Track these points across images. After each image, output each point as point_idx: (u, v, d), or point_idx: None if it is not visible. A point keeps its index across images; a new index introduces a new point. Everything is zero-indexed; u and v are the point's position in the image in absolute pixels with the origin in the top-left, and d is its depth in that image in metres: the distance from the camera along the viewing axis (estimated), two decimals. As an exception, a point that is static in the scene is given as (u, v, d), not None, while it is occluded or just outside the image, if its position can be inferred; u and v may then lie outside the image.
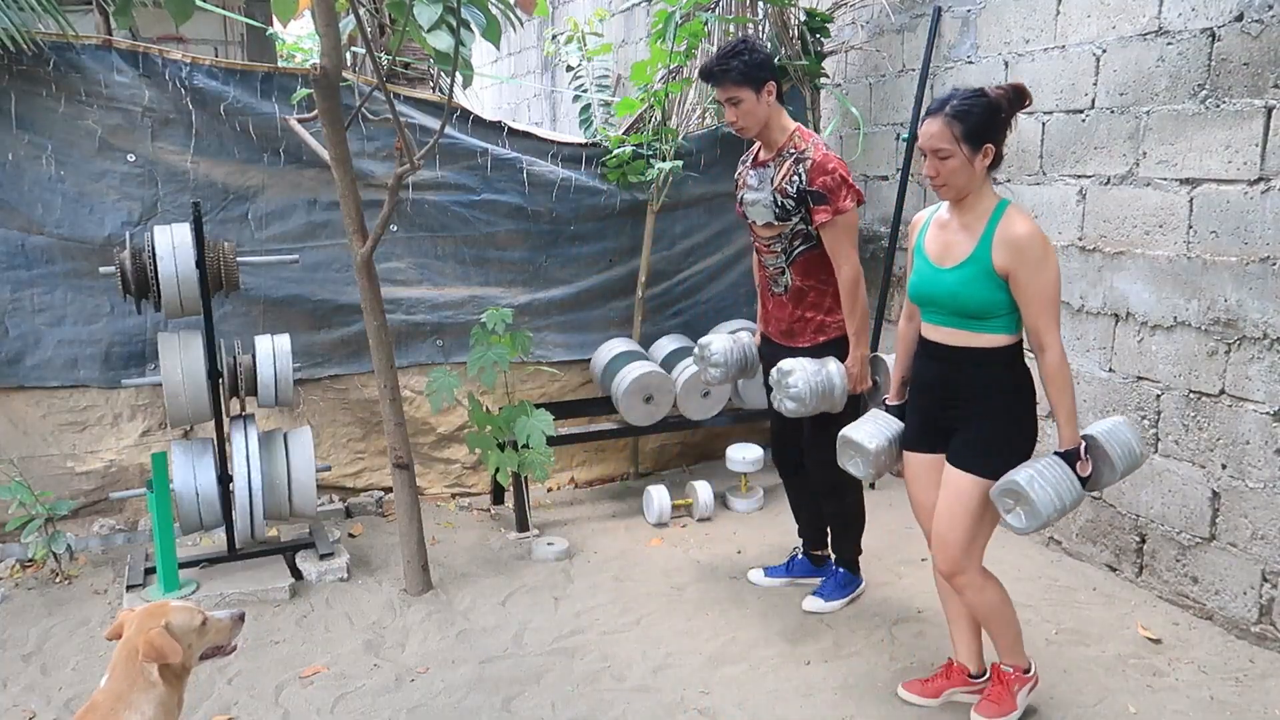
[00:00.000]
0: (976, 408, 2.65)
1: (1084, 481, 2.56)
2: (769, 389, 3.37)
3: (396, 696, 3.06)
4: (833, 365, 3.23)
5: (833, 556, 3.67)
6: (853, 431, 2.94)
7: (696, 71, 3.60)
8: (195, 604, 2.33)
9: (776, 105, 3.22)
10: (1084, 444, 2.57)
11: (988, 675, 2.91)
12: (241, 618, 2.36)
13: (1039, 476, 2.50)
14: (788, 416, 3.27)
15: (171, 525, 3.59)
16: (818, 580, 3.67)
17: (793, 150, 3.21)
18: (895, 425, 2.92)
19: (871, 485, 3.35)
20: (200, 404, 3.60)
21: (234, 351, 3.76)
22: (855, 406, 3.30)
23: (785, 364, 3.22)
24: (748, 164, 3.41)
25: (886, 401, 3.01)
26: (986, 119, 2.51)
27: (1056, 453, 2.57)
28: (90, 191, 4.02)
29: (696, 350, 3.72)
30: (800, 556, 3.76)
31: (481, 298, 4.61)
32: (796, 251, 3.28)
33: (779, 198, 3.21)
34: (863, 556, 3.68)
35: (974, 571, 2.71)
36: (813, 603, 3.56)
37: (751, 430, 5.20)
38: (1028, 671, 2.84)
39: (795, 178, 3.17)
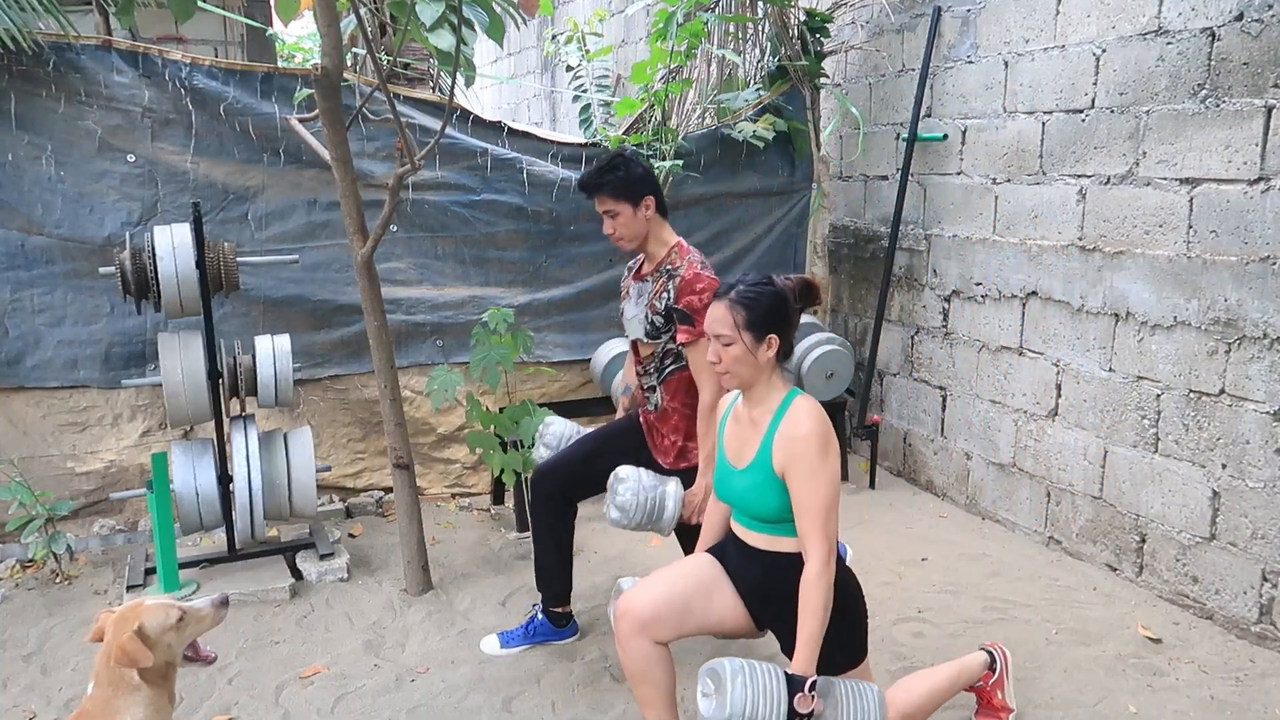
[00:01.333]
0: (786, 616, 2.34)
1: (792, 715, 2.16)
2: (604, 430, 3.35)
3: (396, 696, 3.06)
4: (671, 486, 3.04)
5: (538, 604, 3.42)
6: (626, 471, 2.88)
7: (576, 184, 3.42)
8: (172, 599, 2.30)
9: (657, 219, 3.14)
10: (813, 680, 2.19)
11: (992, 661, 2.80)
12: (224, 602, 2.30)
13: (746, 674, 2.16)
14: (611, 523, 3.05)
15: (171, 525, 3.59)
16: (567, 639, 3.40)
17: (669, 266, 3.10)
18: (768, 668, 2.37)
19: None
20: (200, 404, 3.60)
21: (234, 351, 3.76)
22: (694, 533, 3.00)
23: (622, 470, 3.03)
24: (630, 275, 3.32)
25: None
26: (771, 309, 2.38)
27: (786, 670, 2.22)
28: (90, 191, 4.02)
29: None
30: (540, 618, 3.39)
31: (481, 298, 4.61)
32: (667, 370, 3.16)
33: (649, 314, 3.11)
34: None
35: (649, 643, 2.45)
36: (490, 643, 3.35)
37: (751, 430, 5.20)
38: (993, 668, 2.76)
39: (665, 294, 3.06)
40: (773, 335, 2.39)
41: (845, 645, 2.41)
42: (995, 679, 2.79)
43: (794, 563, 2.34)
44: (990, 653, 2.81)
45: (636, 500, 2.98)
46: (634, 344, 3.27)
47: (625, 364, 3.48)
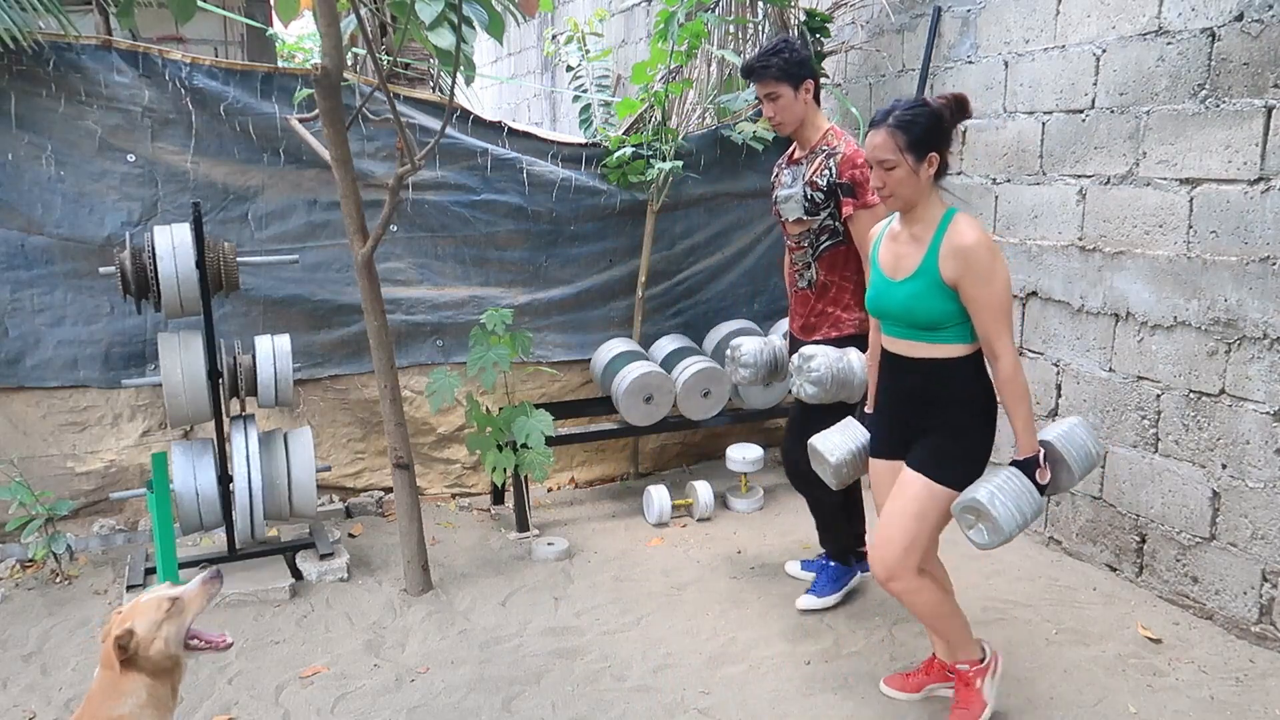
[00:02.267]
0: (938, 416, 2.63)
1: (1042, 489, 2.54)
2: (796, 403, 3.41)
3: (396, 696, 3.06)
4: (854, 354, 3.26)
5: (821, 551, 3.67)
6: (819, 442, 2.95)
7: (740, 70, 3.65)
8: (167, 587, 2.27)
9: (813, 105, 3.32)
10: (1042, 451, 2.57)
11: (986, 655, 2.89)
12: (217, 577, 2.29)
13: (999, 492, 2.48)
14: (806, 402, 3.26)
15: (171, 525, 3.59)
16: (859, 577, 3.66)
17: (825, 147, 3.29)
18: (862, 436, 2.92)
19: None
20: (200, 404, 3.60)
21: (234, 351, 3.76)
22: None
23: (808, 349, 3.23)
24: (783, 164, 3.48)
25: (866, 410, 2.99)
26: (930, 128, 2.51)
27: (1014, 462, 2.55)
28: (90, 191, 4.02)
29: (729, 351, 3.70)
30: (832, 564, 3.65)
31: (481, 298, 4.61)
32: (823, 246, 3.34)
33: (809, 191, 3.28)
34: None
35: (909, 576, 2.65)
36: (807, 600, 3.56)
37: (752, 430, 5.21)
38: (983, 660, 2.82)
39: (826, 171, 3.25)
40: (933, 154, 2.52)
41: (984, 441, 2.64)
42: (987, 668, 2.83)
43: (953, 366, 2.58)
44: (984, 648, 2.89)
45: (830, 372, 3.18)
46: (785, 226, 3.42)
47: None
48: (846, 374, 3.22)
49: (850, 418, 3.05)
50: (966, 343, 2.58)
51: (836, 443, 2.93)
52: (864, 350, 3.29)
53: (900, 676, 3.02)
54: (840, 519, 3.59)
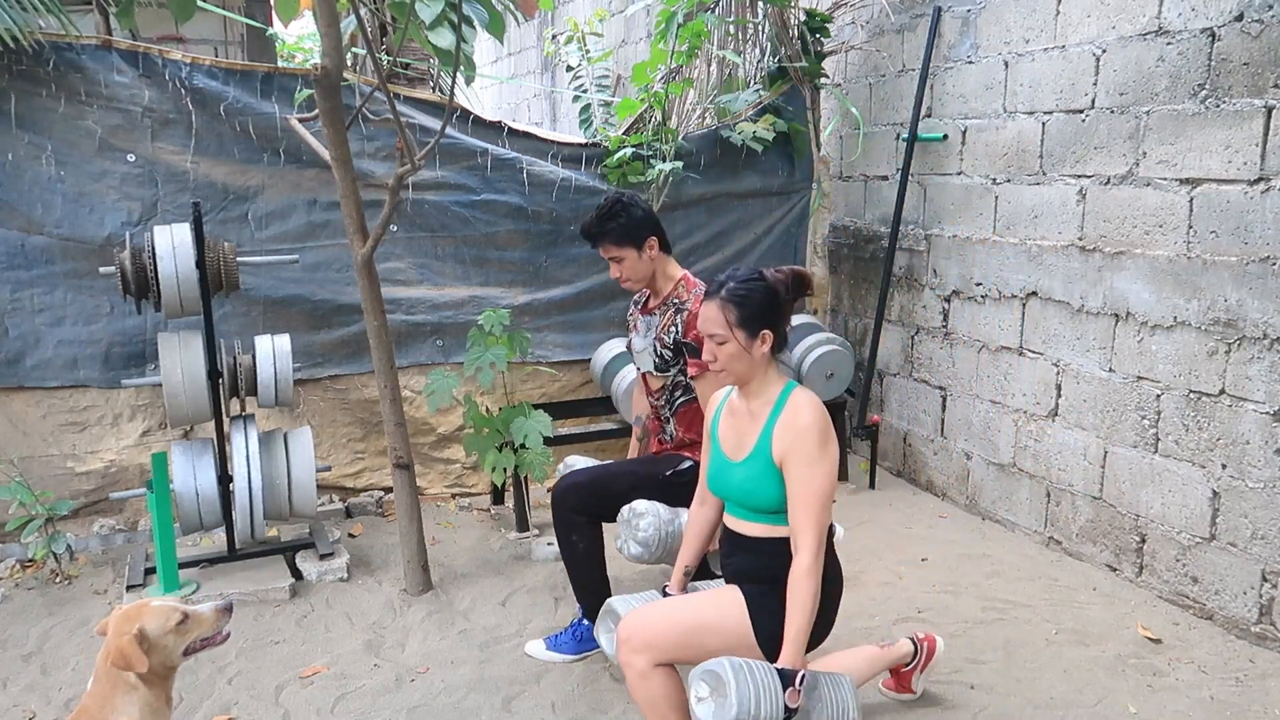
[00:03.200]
0: (776, 604, 2.35)
1: (788, 713, 2.20)
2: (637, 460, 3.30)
3: (396, 696, 3.06)
4: (684, 517, 2.95)
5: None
6: (619, 604, 2.63)
7: (579, 230, 3.37)
8: (177, 600, 2.31)
9: (662, 256, 3.17)
10: (804, 673, 2.24)
11: (917, 649, 2.92)
12: (229, 609, 2.32)
13: (748, 672, 2.18)
14: (627, 559, 3.04)
15: (171, 525, 3.59)
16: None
17: (676, 300, 3.14)
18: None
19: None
20: (200, 404, 3.60)
21: (234, 351, 3.76)
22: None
23: (640, 505, 2.99)
24: (637, 309, 3.34)
25: (667, 590, 2.71)
26: (764, 305, 2.38)
27: (775, 666, 2.25)
28: (90, 191, 4.02)
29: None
30: (586, 623, 3.30)
31: (481, 298, 4.61)
32: (678, 403, 3.19)
33: (658, 347, 3.14)
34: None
35: (646, 660, 2.41)
36: (535, 647, 3.31)
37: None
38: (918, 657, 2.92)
39: (673, 328, 3.10)
40: (766, 330, 2.40)
41: (817, 624, 2.37)
42: (911, 668, 2.92)
43: (785, 549, 2.34)
44: (914, 643, 2.92)
45: (658, 535, 2.96)
46: (644, 377, 3.28)
47: (635, 394, 3.46)
48: (676, 538, 2.95)
49: (654, 593, 2.77)
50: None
51: (632, 601, 2.63)
52: None
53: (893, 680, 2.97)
54: (595, 571, 3.25)
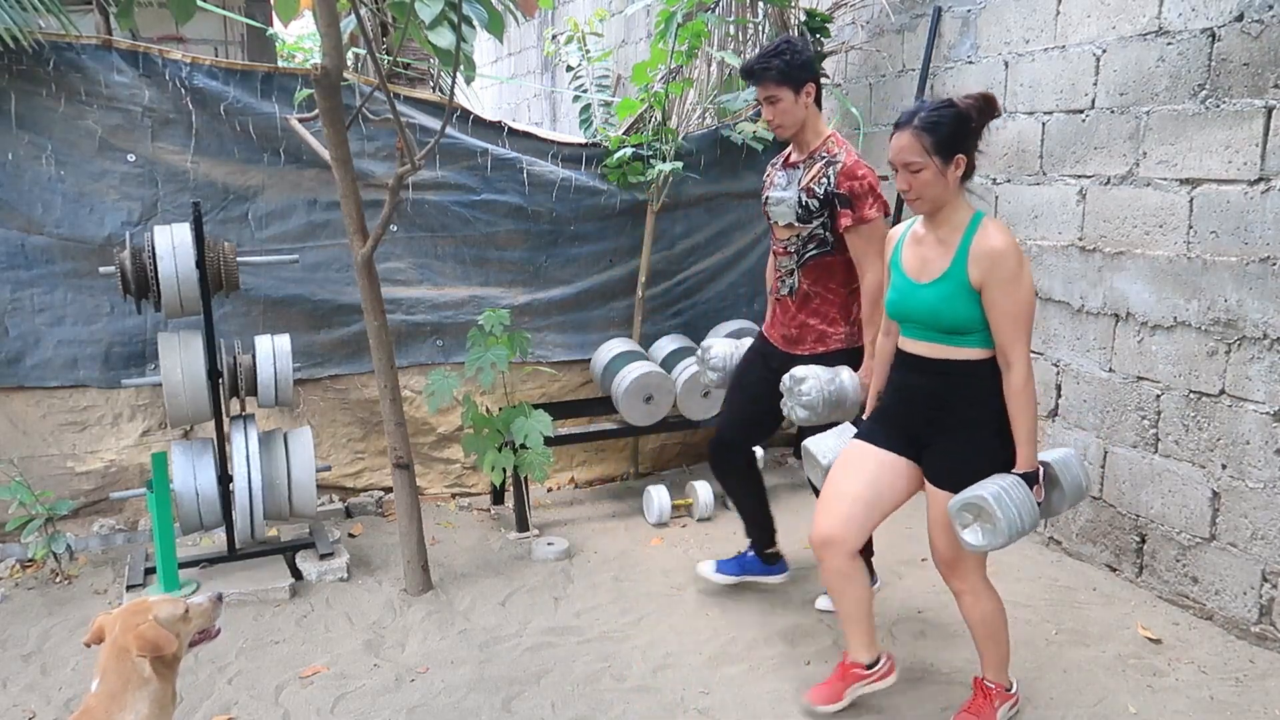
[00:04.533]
0: (957, 421, 2.60)
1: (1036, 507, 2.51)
2: (738, 385, 3.51)
3: (396, 696, 3.06)
4: (845, 375, 3.16)
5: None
6: (814, 445, 2.90)
7: (739, 70, 3.54)
8: (173, 595, 2.34)
9: (814, 109, 3.23)
10: (1041, 469, 2.54)
11: (880, 661, 2.84)
12: (219, 598, 2.38)
13: (1005, 494, 2.44)
14: (800, 423, 3.20)
15: (171, 525, 3.59)
16: (775, 578, 3.70)
17: (825, 154, 3.20)
18: None
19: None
20: (200, 404, 3.60)
21: (234, 351, 3.76)
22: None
23: (799, 371, 3.14)
24: (777, 165, 3.40)
25: (863, 417, 2.94)
26: (956, 129, 2.47)
27: (1015, 473, 2.51)
28: (90, 191, 4.02)
29: (699, 352, 3.70)
30: (751, 554, 3.69)
31: (481, 298, 4.61)
32: (808, 255, 3.26)
33: (804, 197, 3.19)
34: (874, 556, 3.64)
35: (976, 579, 2.70)
36: (706, 567, 3.67)
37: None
38: (1009, 690, 2.81)
39: (824, 180, 3.16)
40: (960, 155, 2.48)
41: (1009, 446, 2.57)
42: (1011, 698, 2.82)
43: (974, 369, 2.54)
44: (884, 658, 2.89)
45: (821, 395, 3.11)
46: (774, 230, 3.36)
47: (766, 316, 3.59)
48: (839, 396, 3.12)
49: (848, 423, 3.00)
50: (990, 348, 2.54)
51: (831, 446, 2.90)
52: (855, 367, 3.22)
53: (821, 688, 2.88)
54: (759, 507, 3.62)
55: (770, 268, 3.47)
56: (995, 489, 2.44)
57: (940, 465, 2.64)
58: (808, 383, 3.11)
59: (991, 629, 2.72)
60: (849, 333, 3.29)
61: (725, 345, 3.66)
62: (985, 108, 2.51)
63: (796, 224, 3.24)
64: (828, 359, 3.26)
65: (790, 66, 3.13)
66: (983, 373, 2.56)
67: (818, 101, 3.25)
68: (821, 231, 3.21)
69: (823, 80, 4.99)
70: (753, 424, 3.53)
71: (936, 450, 2.65)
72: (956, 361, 2.56)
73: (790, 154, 3.35)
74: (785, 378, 3.19)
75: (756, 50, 4.47)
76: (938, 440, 2.65)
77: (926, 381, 2.63)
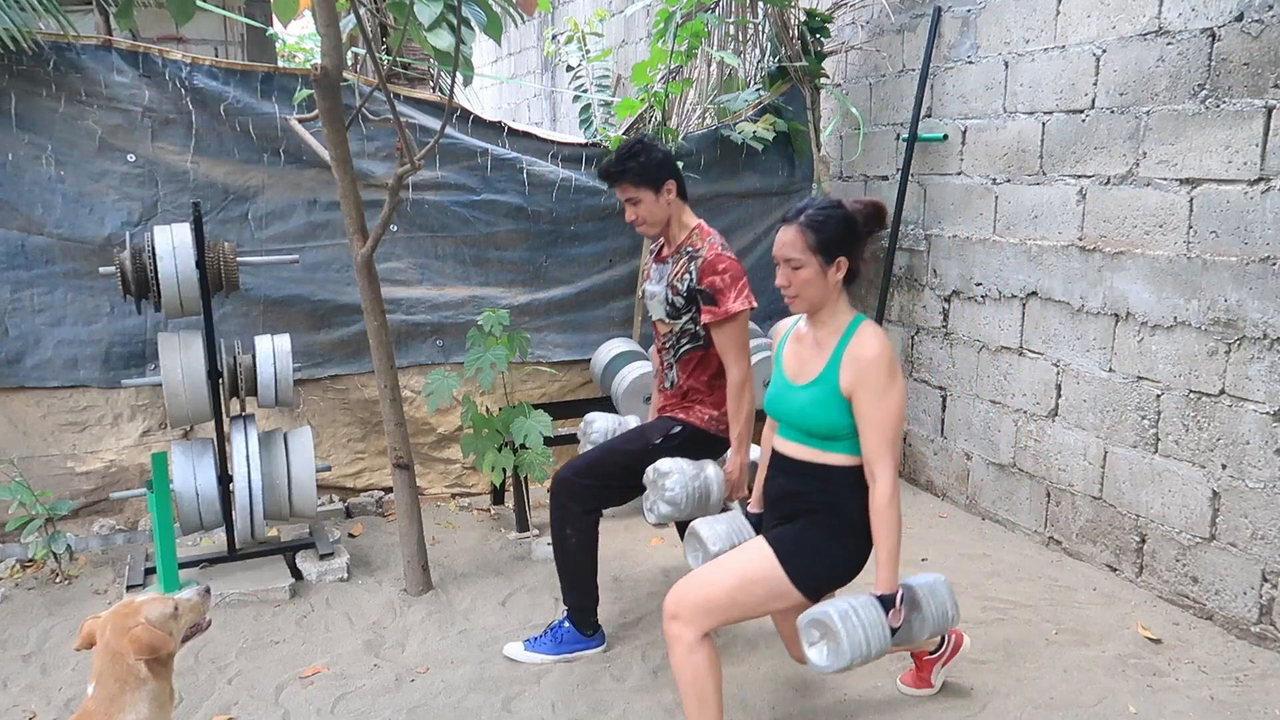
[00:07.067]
0: (813, 518, 2.51)
1: (891, 632, 2.38)
2: (615, 448, 3.26)
3: (396, 696, 3.06)
4: (710, 470, 3.06)
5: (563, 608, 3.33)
6: (703, 528, 2.74)
7: (596, 173, 3.42)
8: (159, 594, 2.32)
9: (678, 202, 3.17)
10: (901, 592, 2.42)
11: (942, 642, 2.92)
12: (208, 591, 2.37)
13: (854, 614, 2.33)
14: (656, 522, 3.09)
15: (171, 525, 3.59)
16: (593, 650, 3.30)
17: (689, 248, 3.13)
18: (748, 532, 2.74)
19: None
20: (200, 404, 3.60)
21: (234, 351, 3.76)
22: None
23: (663, 464, 3.03)
24: (651, 258, 3.34)
25: (748, 507, 2.84)
26: (842, 232, 2.43)
27: (873, 594, 2.40)
28: (90, 191, 4.02)
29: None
30: (567, 624, 3.30)
31: (481, 298, 4.61)
32: (683, 350, 3.19)
33: (670, 294, 3.14)
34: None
35: (695, 630, 2.46)
36: (514, 649, 3.29)
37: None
38: None
39: (686, 276, 3.09)
40: (842, 258, 2.45)
41: (851, 558, 2.51)
42: (935, 658, 2.93)
43: (842, 475, 2.46)
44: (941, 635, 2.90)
45: (685, 491, 3.01)
46: (655, 323, 3.31)
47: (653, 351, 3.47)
48: (703, 493, 3.02)
49: (737, 509, 2.87)
50: (858, 455, 2.45)
51: (721, 533, 2.73)
52: (717, 456, 3.16)
53: (912, 674, 3.01)
54: (585, 569, 3.26)
55: (655, 358, 3.38)
56: (845, 607, 2.33)
57: (785, 533, 2.52)
58: (672, 478, 2.99)
59: (699, 690, 2.47)
60: (716, 416, 3.18)
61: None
62: (874, 215, 2.48)
63: (667, 320, 3.18)
64: (688, 435, 3.15)
65: (646, 167, 3.08)
66: (847, 480, 2.47)
67: (681, 195, 3.16)
68: (692, 326, 3.14)
69: (823, 80, 5.01)
70: (612, 487, 3.23)
71: (790, 526, 2.54)
72: (820, 465, 2.48)
73: (662, 248, 3.28)
74: (649, 470, 3.06)
75: (757, 49, 4.42)
76: (794, 523, 2.54)
77: (787, 482, 2.55)
